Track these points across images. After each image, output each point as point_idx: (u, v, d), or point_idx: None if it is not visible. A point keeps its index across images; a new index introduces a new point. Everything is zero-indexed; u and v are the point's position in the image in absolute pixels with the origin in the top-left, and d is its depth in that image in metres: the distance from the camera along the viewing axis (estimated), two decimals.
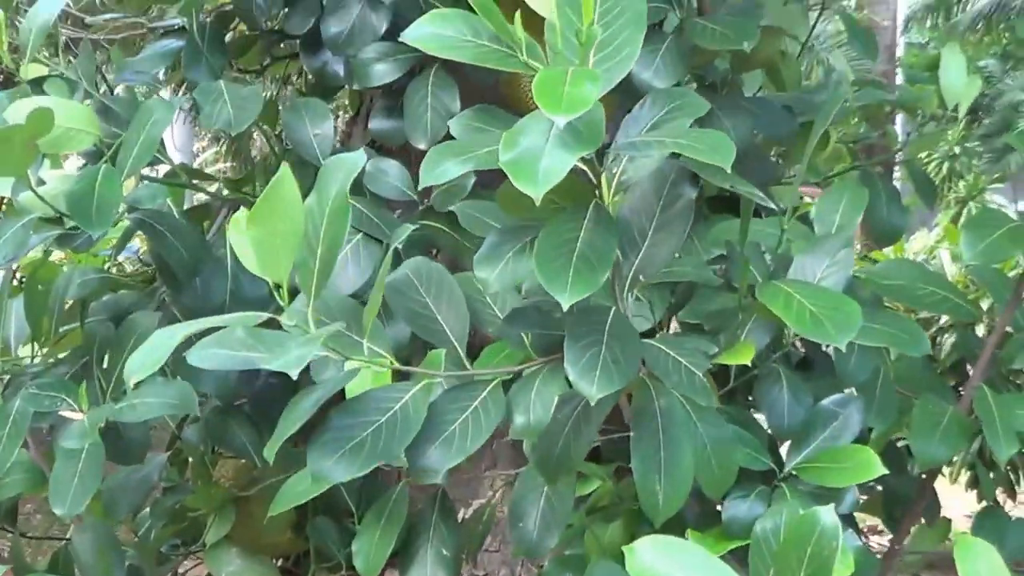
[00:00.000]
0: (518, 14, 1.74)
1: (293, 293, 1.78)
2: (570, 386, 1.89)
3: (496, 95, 2.96)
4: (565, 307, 1.73)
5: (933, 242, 9.77)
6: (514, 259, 1.98)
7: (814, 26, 3.55)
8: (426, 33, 1.82)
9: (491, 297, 2.29)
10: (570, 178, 1.79)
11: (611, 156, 1.96)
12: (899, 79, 20.76)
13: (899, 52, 21.72)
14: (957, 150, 18.46)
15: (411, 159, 3.03)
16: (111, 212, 2.36)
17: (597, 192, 1.91)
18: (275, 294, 1.73)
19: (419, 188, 1.98)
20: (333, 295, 2.10)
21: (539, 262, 1.79)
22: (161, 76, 3.27)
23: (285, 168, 1.66)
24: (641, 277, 2.03)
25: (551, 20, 1.76)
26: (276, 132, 3.43)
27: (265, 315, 1.72)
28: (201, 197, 3.22)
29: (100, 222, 2.34)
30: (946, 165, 18.08)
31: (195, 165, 18.46)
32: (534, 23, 1.79)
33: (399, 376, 2.01)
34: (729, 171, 1.70)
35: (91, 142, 2.53)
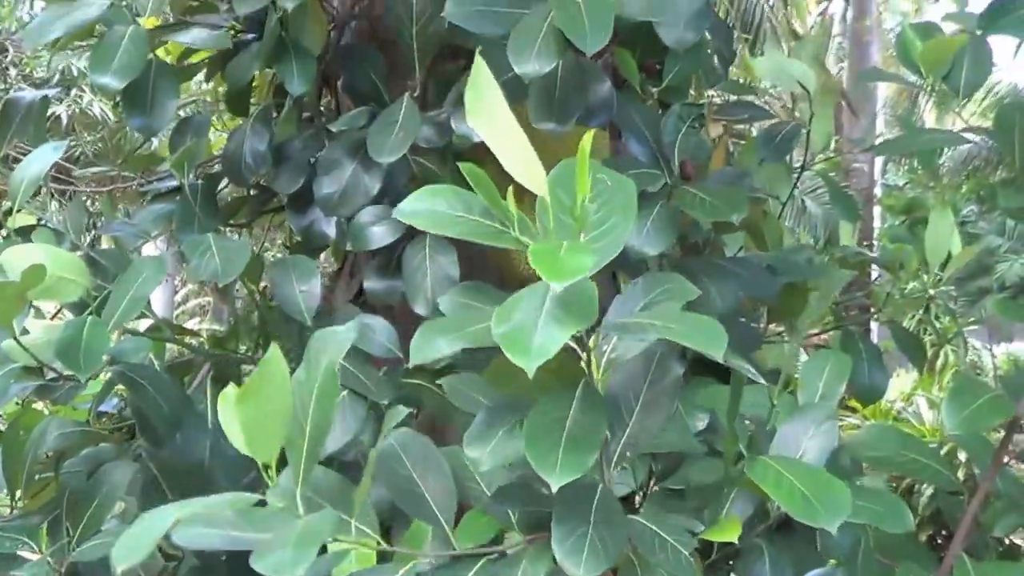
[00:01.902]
0: (511, 189, 1.77)
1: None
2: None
3: (491, 256, 3.00)
4: (554, 489, 1.73)
5: (911, 389, 9.81)
6: (504, 438, 2.00)
7: (795, 184, 3.59)
8: (418, 209, 1.85)
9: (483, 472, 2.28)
10: (559, 355, 1.81)
11: (601, 334, 1.97)
12: (876, 219, 21.00)
13: (877, 191, 21.96)
14: (932, 292, 18.56)
15: (396, 314, 3.04)
16: (98, 358, 2.39)
17: (586, 369, 1.92)
18: (263, 473, 1.72)
19: (409, 366, 1.99)
20: (321, 471, 2.08)
21: (529, 443, 1.80)
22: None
23: (275, 350, 1.65)
24: (628, 453, 2.04)
25: (543, 199, 1.79)
26: (260, 288, 3.44)
27: (256, 496, 1.70)
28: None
29: (87, 366, 2.37)
30: (920, 309, 18.18)
31: (176, 300, 18.47)
32: (521, 190, 1.81)
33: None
34: (721, 357, 1.70)
35: (80, 292, 2.55)
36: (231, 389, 1.72)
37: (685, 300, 1.95)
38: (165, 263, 2.64)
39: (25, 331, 2.53)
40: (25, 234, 2.88)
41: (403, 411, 2.14)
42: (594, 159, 3.02)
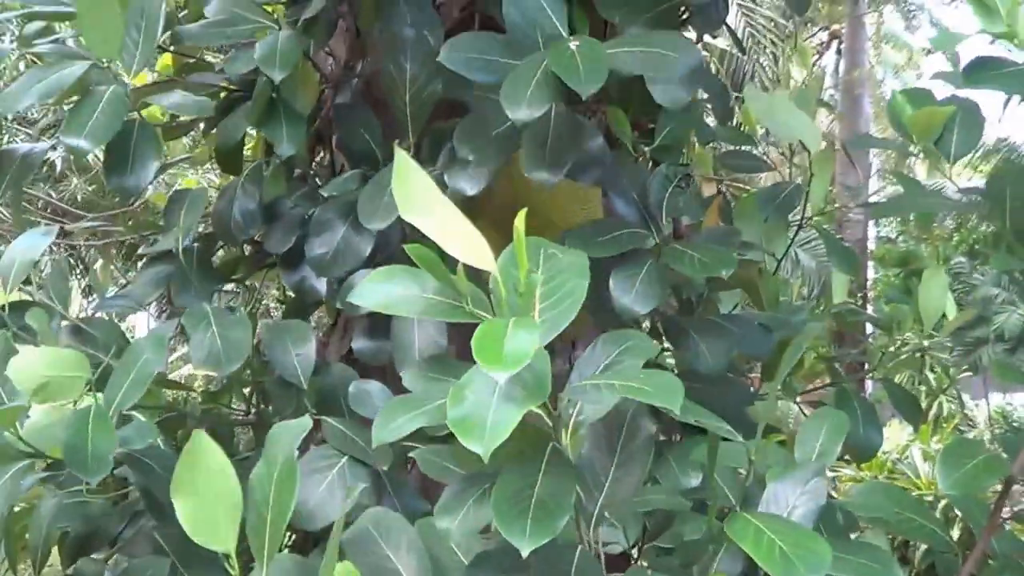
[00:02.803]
0: (460, 267, 1.79)
1: None
2: None
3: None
4: (524, 554, 1.73)
5: (906, 441, 9.78)
6: (475, 506, 2.00)
7: (793, 240, 3.59)
8: (373, 292, 1.88)
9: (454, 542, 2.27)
10: (525, 423, 1.81)
11: (565, 399, 1.97)
12: (870, 270, 21.02)
13: (871, 246, 22.01)
14: (926, 343, 18.55)
15: (387, 375, 3.04)
16: (107, 458, 2.39)
17: (554, 434, 1.92)
18: (225, 564, 1.72)
19: (372, 447, 1.99)
20: (287, 558, 2.06)
21: (497, 510, 1.79)
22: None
23: (200, 435, 1.64)
24: (606, 514, 2.03)
25: (495, 277, 1.80)
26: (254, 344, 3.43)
27: None
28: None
29: (97, 469, 2.37)
30: (916, 368, 18.15)
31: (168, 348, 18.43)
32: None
33: None
34: (679, 410, 1.71)
35: (84, 388, 2.56)
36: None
37: (647, 356, 1.96)
38: (164, 341, 2.67)
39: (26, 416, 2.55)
40: (19, 310, 2.90)
41: (360, 487, 2.09)
42: (588, 218, 3.06)
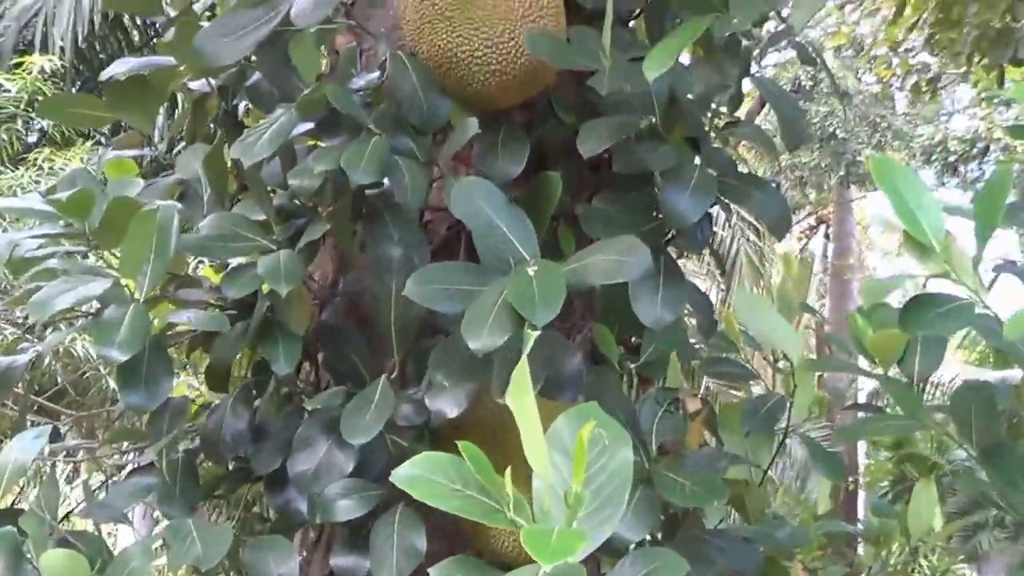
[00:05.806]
0: (508, 471, 1.83)
1: None
2: None
3: (469, 535, 2.99)
4: None
5: None
6: None
7: (777, 451, 3.58)
8: (415, 476, 1.88)
9: None
10: None
11: None
12: (861, 456, 20.86)
13: None
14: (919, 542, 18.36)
15: None
16: None
17: None
18: None
19: None
20: None
21: None
22: None
23: None
24: None
25: (542, 475, 1.85)
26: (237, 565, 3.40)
27: None
28: None
29: None
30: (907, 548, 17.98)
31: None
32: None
33: None
34: None
35: None
36: None
37: None
38: (151, 551, 2.71)
39: None
40: (11, 517, 2.90)
41: None
42: None
